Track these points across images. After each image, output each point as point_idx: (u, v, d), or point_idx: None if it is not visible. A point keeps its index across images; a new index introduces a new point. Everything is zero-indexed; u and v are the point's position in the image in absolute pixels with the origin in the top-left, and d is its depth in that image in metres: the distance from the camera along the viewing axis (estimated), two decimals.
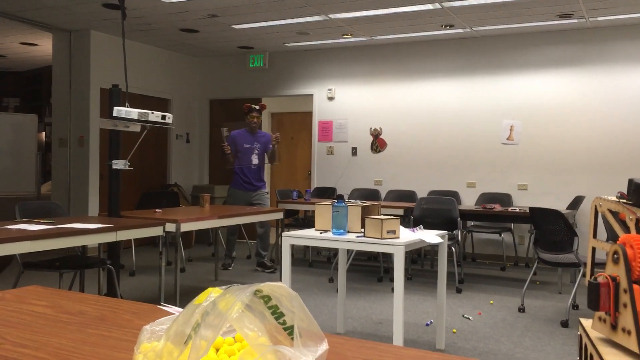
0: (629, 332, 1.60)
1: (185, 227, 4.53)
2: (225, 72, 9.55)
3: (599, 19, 6.66)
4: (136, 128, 4.29)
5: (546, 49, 7.37)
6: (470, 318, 4.71)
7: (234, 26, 7.40)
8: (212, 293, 1.18)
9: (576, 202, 6.77)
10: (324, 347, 1.04)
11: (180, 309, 1.31)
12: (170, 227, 4.40)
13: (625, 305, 1.62)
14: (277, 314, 1.09)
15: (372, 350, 1.35)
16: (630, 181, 1.81)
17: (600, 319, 1.75)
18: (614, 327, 1.68)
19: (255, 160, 6.58)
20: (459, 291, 5.70)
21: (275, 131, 6.51)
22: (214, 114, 9.77)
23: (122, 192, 4.91)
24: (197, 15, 6.87)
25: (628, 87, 6.95)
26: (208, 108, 9.78)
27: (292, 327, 1.06)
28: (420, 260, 7.47)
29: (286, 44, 8.45)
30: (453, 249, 5.94)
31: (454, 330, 4.33)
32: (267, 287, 1.06)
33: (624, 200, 1.90)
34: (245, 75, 9.38)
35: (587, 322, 1.84)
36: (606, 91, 7.06)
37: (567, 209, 6.71)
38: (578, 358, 1.88)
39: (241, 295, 1.08)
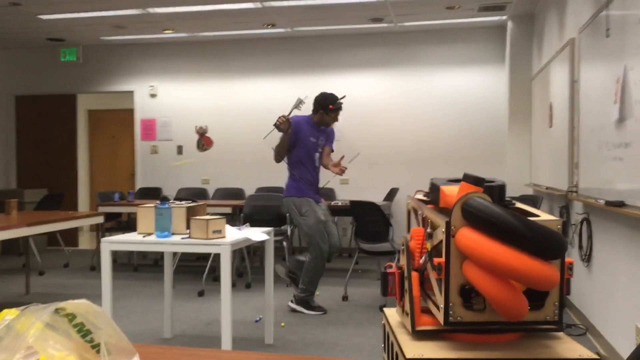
0: (407, 314, 1.78)
1: None
2: (33, 66, 8.75)
3: (407, 24, 7.22)
4: None
5: (361, 51, 7.83)
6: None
7: (40, 16, 6.79)
8: (8, 315, 1.07)
9: (391, 194, 7.30)
10: None
11: None
12: None
13: (406, 291, 1.80)
14: (84, 331, 1.03)
15: (192, 357, 1.33)
16: (430, 181, 1.99)
17: (400, 306, 1.92)
18: (403, 311, 1.85)
19: (317, 161, 4.93)
20: (288, 285, 5.84)
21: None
22: (22, 111, 8.90)
23: None
24: None
25: (434, 87, 7.63)
26: (14, 105, 8.89)
27: (100, 344, 1.01)
28: (250, 257, 7.51)
29: (102, 38, 7.97)
30: (284, 243, 6.07)
31: (283, 324, 4.43)
32: (70, 305, 0.99)
33: (423, 198, 2.09)
34: (56, 70, 8.67)
35: (389, 311, 1.99)
36: (415, 91, 7.69)
37: (384, 200, 7.20)
38: (382, 345, 2.03)
39: (41, 314, 1.00)
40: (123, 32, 7.62)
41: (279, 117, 4.66)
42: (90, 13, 6.64)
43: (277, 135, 4.92)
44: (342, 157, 4.84)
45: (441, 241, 1.70)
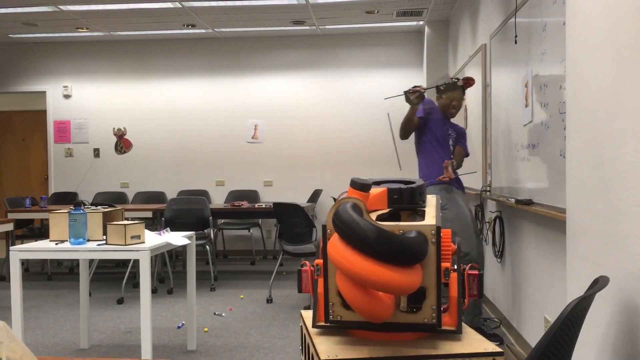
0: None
1: None
2: None
3: (328, 27, 7.30)
4: None
5: (283, 53, 7.84)
6: (223, 314, 4.79)
7: None
8: None
9: (315, 196, 7.35)
10: None
11: None
12: None
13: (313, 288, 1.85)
14: None
15: None
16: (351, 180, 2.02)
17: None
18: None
19: (452, 150, 4.21)
20: (213, 289, 5.76)
21: None
22: None
23: None
24: None
25: (355, 89, 7.76)
26: None
27: (1, 359, 0.96)
28: (172, 262, 7.35)
29: (10, 35, 7.56)
30: (207, 247, 5.98)
31: (206, 329, 4.36)
32: None
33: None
34: None
35: (306, 313, 2.01)
36: (336, 93, 7.78)
37: (308, 202, 7.24)
38: (300, 348, 2.05)
39: None
40: (34, 29, 7.27)
41: (415, 86, 3.99)
42: None
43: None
44: (452, 162, 4.07)
45: None
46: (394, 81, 7.72)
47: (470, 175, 5.23)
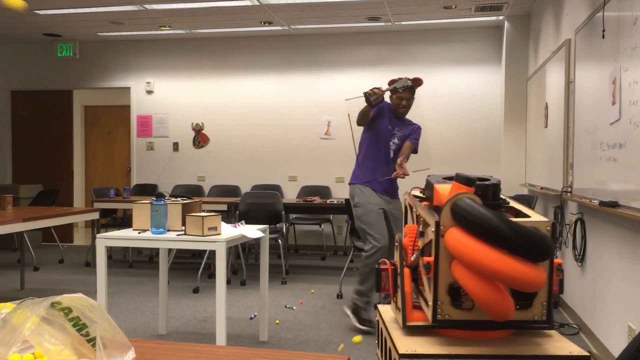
0: (399, 310, 1.80)
1: None
2: (29, 61, 8.73)
3: (404, 23, 7.23)
4: None
5: (358, 49, 7.84)
6: (295, 308, 4.86)
7: (37, 11, 6.78)
8: (4, 309, 1.08)
9: None
10: (130, 356, 1.02)
11: None
12: None
13: (399, 287, 1.82)
14: (80, 325, 1.04)
15: (186, 352, 1.34)
16: (426, 179, 2.00)
17: (394, 301, 1.93)
18: (396, 306, 1.87)
19: (390, 149, 4.39)
20: (284, 282, 5.85)
21: None
22: (17, 107, 8.88)
23: None
24: None
25: (430, 87, 7.62)
26: (9, 100, 8.86)
27: (95, 337, 1.01)
28: (245, 254, 7.52)
29: (98, 33, 7.96)
30: (280, 241, 6.08)
31: (277, 321, 4.44)
32: (66, 298, 1.00)
33: (420, 195, 2.10)
34: (52, 65, 8.66)
35: (383, 308, 2.00)
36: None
37: None
38: (376, 341, 2.04)
39: (37, 308, 1.01)
40: (120, 28, 7.61)
41: (373, 88, 4.11)
42: (87, 9, 6.63)
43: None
44: (403, 159, 4.20)
45: (432, 240, 1.72)
46: (470, 78, 7.55)
47: (550, 176, 5.04)
